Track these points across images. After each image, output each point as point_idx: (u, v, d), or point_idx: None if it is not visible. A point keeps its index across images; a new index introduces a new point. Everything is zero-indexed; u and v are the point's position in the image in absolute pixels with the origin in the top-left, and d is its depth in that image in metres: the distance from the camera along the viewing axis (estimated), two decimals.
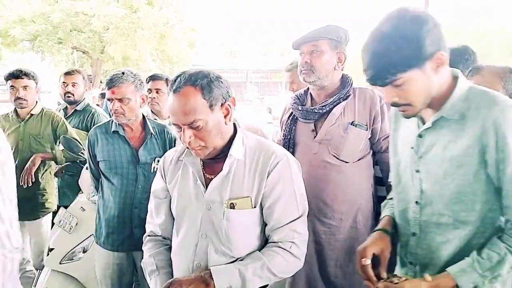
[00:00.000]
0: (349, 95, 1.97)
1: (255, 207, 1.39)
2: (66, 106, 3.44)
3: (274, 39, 45.59)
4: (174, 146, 2.27)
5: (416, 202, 1.35)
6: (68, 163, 2.94)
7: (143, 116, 2.29)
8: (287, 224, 1.40)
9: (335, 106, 1.95)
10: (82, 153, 2.81)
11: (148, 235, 1.59)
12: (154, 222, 1.57)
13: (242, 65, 39.26)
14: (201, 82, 1.30)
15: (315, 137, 1.97)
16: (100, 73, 17.84)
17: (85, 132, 3.15)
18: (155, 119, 2.73)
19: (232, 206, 1.38)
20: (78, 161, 2.91)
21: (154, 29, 15.59)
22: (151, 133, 2.24)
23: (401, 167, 1.41)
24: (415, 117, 1.32)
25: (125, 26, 15.01)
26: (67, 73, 3.39)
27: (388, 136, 1.92)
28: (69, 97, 3.34)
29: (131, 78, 2.13)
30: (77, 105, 3.37)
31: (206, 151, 1.37)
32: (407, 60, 1.17)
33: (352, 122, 1.93)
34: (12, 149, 2.83)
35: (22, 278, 3.09)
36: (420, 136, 1.33)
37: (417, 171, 1.33)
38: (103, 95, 9.53)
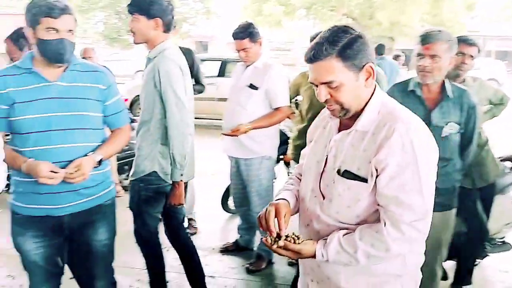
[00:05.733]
0: None
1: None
2: None
3: None
4: (474, 112, 2.19)
5: None
6: None
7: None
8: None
9: None
10: None
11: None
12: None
13: None
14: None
15: None
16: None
17: None
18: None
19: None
20: None
21: None
22: (448, 96, 2.19)
23: None
24: None
25: None
26: None
27: None
28: None
29: (446, 37, 2.12)
30: None
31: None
32: None
33: None
34: (307, 104, 3.25)
35: None
36: None
37: None
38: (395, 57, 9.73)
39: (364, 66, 1.32)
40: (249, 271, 3.25)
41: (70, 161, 1.84)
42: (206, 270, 3.24)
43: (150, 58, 2.40)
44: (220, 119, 3.27)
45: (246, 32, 2.99)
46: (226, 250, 3.59)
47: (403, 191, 1.29)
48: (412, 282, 1.50)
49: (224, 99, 3.44)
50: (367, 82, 1.35)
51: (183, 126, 2.34)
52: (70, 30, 1.82)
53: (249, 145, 3.12)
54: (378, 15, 15.40)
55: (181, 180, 2.38)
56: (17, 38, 2.54)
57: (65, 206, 1.91)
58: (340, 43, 1.29)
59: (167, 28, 2.38)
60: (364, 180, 1.34)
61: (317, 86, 1.35)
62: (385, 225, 1.31)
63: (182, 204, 2.46)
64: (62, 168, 1.81)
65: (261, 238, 1.44)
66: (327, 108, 1.40)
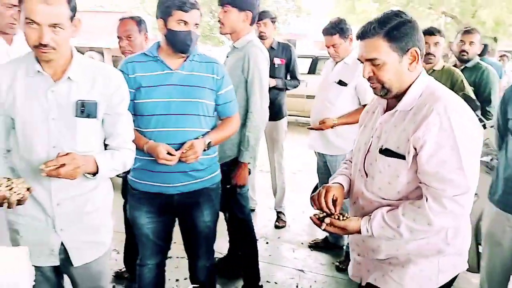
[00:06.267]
0: None
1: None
2: (455, 64, 3.52)
3: None
4: None
5: None
6: None
7: None
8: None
9: None
10: (476, 114, 2.82)
11: None
12: None
13: None
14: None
15: None
16: None
17: (472, 88, 3.16)
18: None
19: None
20: None
21: None
22: None
23: None
24: None
25: None
26: (466, 32, 3.46)
27: None
28: (463, 55, 3.43)
29: None
30: (468, 62, 3.43)
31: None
32: None
33: None
34: None
35: None
36: None
37: None
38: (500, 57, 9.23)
39: (409, 49, 1.40)
40: (339, 269, 3.21)
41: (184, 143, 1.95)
42: (295, 264, 3.29)
43: (237, 47, 2.55)
44: (309, 117, 3.27)
45: (336, 28, 2.95)
46: (315, 246, 3.58)
47: (443, 167, 1.34)
48: (450, 265, 1.52)
49: (313, 97, 3.42)
50: (410, 65, 1.43)
51: (262, 113, 2.51)
52: (196, 24, 1.95)
53: (335, 141, 3.08)
54: (481, 14, 14.34)
55: (249, 162, 2.52)
56: (140, 22, 2.66)
57: (176, 185, 2.03)
58: (388, 25, 1.39)
59: (253, 21, 2.53)
60: (403, 157, 1.42)
61: (363, 62, 1.47)
62: (427, 200, 1.38)
63: (245, 185, 2.57)
64: (177, 149, 1.93)
65: (310, 217, 1.55)
66: (370, 86, 1.51)
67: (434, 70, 3.09)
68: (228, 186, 2.46)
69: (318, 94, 3.23)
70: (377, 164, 1.50)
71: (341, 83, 2.99)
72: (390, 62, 1.41)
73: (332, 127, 2.98)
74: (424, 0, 15.68)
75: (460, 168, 1.34)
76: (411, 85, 1.45)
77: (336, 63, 3.10)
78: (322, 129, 3.01)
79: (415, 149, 1.38)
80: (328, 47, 3.04)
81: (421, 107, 1.40)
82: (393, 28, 1.38)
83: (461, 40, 3.44)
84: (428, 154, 1.36)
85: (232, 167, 2.55)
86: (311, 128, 3.12)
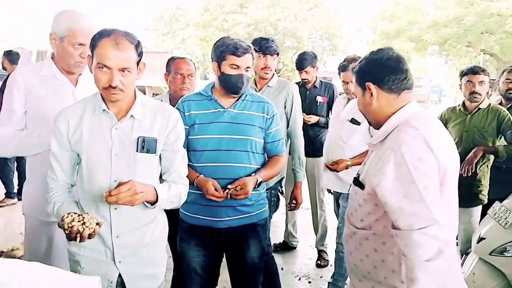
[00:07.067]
0: None
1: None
2: (501, 102, 3.48)
3: None
4: None
5: None
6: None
7: None
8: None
9: None
10: None
11: None
12: None
13: None
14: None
15: None
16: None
17: None
18: None
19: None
20: None
21: None
22: None
23: None
24: None
25: None
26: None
27: None
28: (510, 93, 3.41)
29: None
30: None
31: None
32: None
33: None
34: (455, 140, 3.11)
35: None
36: None
37: None
38: None
39: (365, 84, 1.52)
40: None
41: (234, 179, 2.02)
42: None
43: (271, 86, 2.97)
44: None
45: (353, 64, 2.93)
46: None
47: (405, 201, 1.35)
48: None
49: None
50: (372, 99, 1.52)
51: (302, 137, 2.96)
52: (248, 67, 2.06)
53: (348, 180, 2.79)
54: None
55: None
56: (195, 64, 2.86)
57: (224, 219, 2.08)
58: (359, 62, 1.58)
59: None
60: (362, 187, 1.51)
61: None
62: (404, 255, 1.35)
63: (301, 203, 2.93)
64: (227, 183, 2.00)
65: None
66: None
67: (479, 108, 3.07)
68: (290, 204, 2.94)
69: (330, 131, 3.11)
70: (352, 190, 1.62)
71: (353, 121, 2.84)
72: (358, 95, 1.58)
73: (346, 168, 2.83)
74: (462, 38, 15.60)
75: (421, 200, 1.33)
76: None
77: (348, 100, 3.00)
78: (336, 171, 2.86)
79: (372, 184, 1.44)
80: (347, 83, 2.94)
81: (386, 142, 1.48)
82: (358, 65, 1.57)
83: (507, 79, 3.40)
84: (387, 190, 1.38)
85: (274, 190, 2.84)
86: (327, 166, 2.95)
